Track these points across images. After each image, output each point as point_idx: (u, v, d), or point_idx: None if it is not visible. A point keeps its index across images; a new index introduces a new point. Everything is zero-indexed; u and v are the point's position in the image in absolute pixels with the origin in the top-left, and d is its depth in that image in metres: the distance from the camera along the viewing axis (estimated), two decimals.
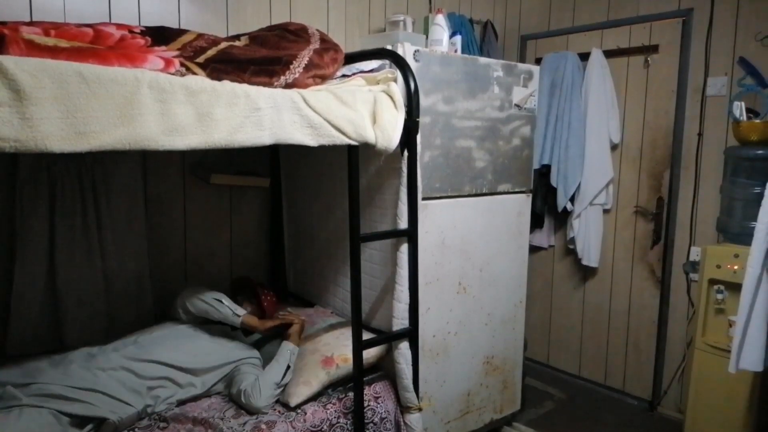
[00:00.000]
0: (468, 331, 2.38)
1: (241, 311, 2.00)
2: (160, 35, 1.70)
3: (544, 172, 3.20)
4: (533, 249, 3.19)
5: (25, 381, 1.66)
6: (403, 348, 2.03)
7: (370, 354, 2.03)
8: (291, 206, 2.71)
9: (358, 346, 1.89)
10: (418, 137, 2.00)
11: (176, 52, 1.61)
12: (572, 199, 3.14)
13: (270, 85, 1.61)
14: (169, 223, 2.40)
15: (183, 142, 1.34)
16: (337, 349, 2.03)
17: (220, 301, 2.00)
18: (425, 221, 2.12)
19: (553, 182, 3.16)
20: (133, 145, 1.25)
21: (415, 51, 2.02)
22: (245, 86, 1.50)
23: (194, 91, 1.36)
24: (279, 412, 1.86)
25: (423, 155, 2.10)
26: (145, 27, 1.73)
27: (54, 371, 1.71)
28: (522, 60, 3.44)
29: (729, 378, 2.19)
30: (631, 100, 3.02)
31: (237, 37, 1.92)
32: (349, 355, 1.92)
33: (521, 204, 2.54)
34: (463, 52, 2.66)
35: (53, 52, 1.28)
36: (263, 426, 1.76)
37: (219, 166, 2.42)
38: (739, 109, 2.41)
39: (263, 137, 1.50)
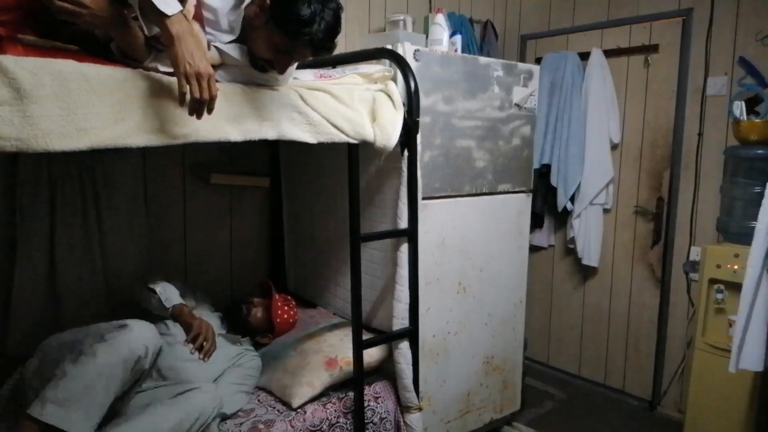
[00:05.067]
0: (468, 331, 2.38)
1: (175, 301, 1.82)
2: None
3: (544, 171, 3.20)
4: (533, 249, 3.19)
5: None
6: (404, 348, 2.03)
7: (372, 357, 2.03)
8: (291, 206, 2.70)
9: (359, 345, 1.89)
10: (418, 137, 2.00)
11: None
12: (572, 199, 3.14)
13: None
14: (169, 223, 2.40)
15: (182, 136, 1.35)
16: (341, 351, 2.02)
17: (153, 291, 1.84)
18: (425, 221, 2.12)
19: (553, 182, 3.16)
20: (133, 141, 1.26)
21: (415, 51, 2.02)
22: (243, 84, 1.51)
23: None
24: (278, 411, 1.86)
25: (423, 155, 2.10)
26: None
27: None
28: (522, 60, 3.44)
29: (729, 378, 2.19)
30: (631, 100, 3.02)
31: None
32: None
33: (521, 204, 2.54)
34: (463, 51, 2.66)
35: (51, 54, 1.28)
36: (261, 426, 1.76)
37: (219, 165, 2.42)
38: (740, 108, 2.41)
39: (262, 132, 1.51)
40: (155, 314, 1.87)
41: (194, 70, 1.21)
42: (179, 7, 1.22)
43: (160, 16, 1.20)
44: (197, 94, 1.23)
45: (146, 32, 1.30)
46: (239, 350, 2.03)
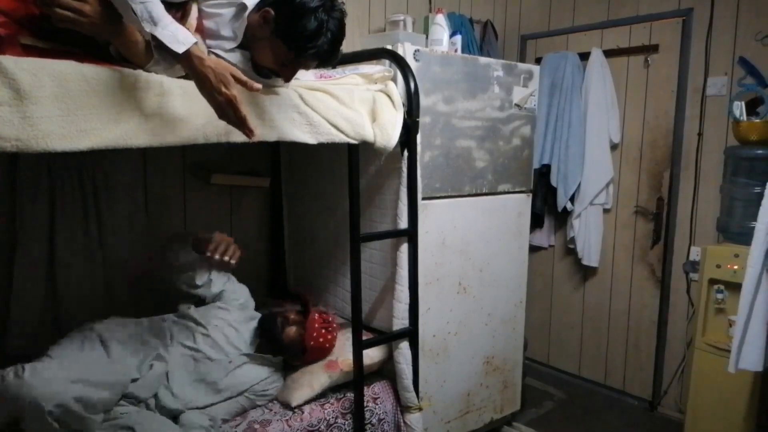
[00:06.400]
0: (468, 331, 2.38)
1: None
2: None
3: (544, 171, 3.20)
4: (533, 249, 3.19)
5: None
6: (404, 348, 2.03)
7: (372, 358, 2.03)
8: (291, 206, 2.70)
9: (358, 346, 1.89)
10: (418, 137, 2.00)
11: None
12: (572, 199, 3.14)
13: None
14: (169, 223, 2.40)
15: (182, 137, 1.35)
16: (342, 353, 2.02)
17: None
18: (425, 221, 2.12)
19: (553, 182, 3.16)
20: (134, 141, 1.26)
21: (416, 51, 2.02)
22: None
23: (191, 90, 1.36)
24: (275, 411, 1.86)
25: (423, 155, 2.10)
26: None
27: None
28: (522, 60, 3.44)
29: (729, 378, 2.19)
30: (631, 100, 3.02)
31: None
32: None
33: (521, 204, 2.54)
34: (463, 52, 2.65)
35: (51, 54, 1.28)
36: (257, 426, 1.76)
37: (219, 165, 2.42)
38: (739, 108, 2.41)
39: (263, 134, 1.51)
40: (186, 293, 1.91)
41: (225, 98, 1.26)
42: (192, 40, 1.22)
43: (175, 57, 1.23)
44: (233, 118, 1.29)
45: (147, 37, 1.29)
46: (266, 374, 1.88)
